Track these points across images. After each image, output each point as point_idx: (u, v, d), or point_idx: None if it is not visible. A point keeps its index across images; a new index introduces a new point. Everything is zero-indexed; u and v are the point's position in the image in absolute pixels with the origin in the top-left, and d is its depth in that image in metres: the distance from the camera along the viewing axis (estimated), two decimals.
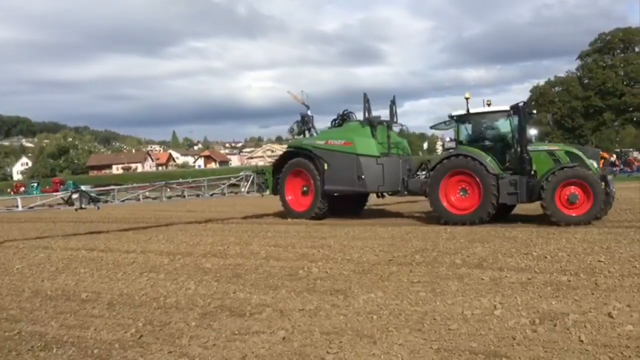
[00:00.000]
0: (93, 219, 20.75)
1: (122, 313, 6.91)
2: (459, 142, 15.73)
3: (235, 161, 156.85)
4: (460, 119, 15.74)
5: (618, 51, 76.56)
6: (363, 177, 16.69)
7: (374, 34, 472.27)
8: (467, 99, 15.43)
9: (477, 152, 14.79)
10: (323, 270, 9.00)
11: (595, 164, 14.72)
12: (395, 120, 18.12)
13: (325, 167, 17.27)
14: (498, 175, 14.41)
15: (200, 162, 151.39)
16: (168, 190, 19.37)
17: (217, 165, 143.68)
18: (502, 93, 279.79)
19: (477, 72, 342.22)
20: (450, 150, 15.80)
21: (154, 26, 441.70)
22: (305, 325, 5.98)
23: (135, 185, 19.83)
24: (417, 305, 6.63)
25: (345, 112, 18.98)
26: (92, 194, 16.39)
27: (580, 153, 14.73)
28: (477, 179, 14.50)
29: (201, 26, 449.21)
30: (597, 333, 5.31)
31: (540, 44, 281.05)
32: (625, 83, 73.13)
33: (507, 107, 15.15)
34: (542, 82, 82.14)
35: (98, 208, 16.72)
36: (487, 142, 15.52)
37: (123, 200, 17.36)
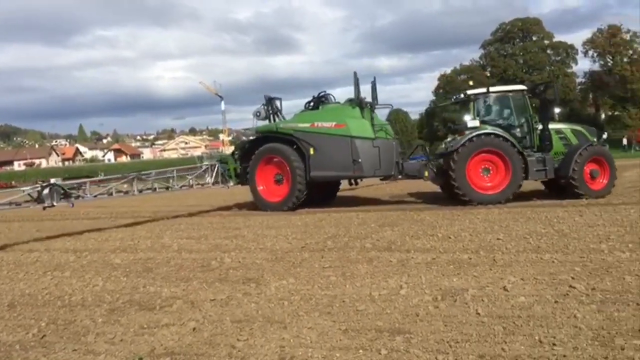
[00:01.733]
0: None
1: (24, 313, 6.62)
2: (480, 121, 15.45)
3: (147, 154, 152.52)
4: (478, 97, 15.73)
5: (517, 40, 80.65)
6: (360, 160, 15.57)
7: (289, 23, 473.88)
8: (487, 77, 15.56)
9: (502, 131, 14.92)
10: (236, 260, 9.00)
11: (596, 141, 15.67)
12: (376, 102, 17.11)
13: (311, 151, 15.93)
14: (524, 153, 14.74)
15: (110, 156, 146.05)
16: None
17: (128, 158, 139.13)
18: (413, 81, 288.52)
19: (389, 60, 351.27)
20: (472, 130, 15.08)
21: (59, 13, 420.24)
22: (216, 315, 5.98)
23: (107, 177, 17.00)
24: (327, 289, 6.78)
25: (322, 94, 17.58)
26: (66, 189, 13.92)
27: (584, 130, 15.73)
28: (507, 158, 14.57)
29: (109, 14, 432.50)
30: (493, 305, 5.66)
31: (449, 33, 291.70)
32: (524, 70, 77.23)
33: (524, 87, 15.97)
34: (449, 70, 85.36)
35: (72, 205, 14.59)
36: (500, 121, 15.64)
37: (95, 196, 15.15)
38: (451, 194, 15.39)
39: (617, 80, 71.52)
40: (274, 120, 17.86)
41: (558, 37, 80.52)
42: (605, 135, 16.75)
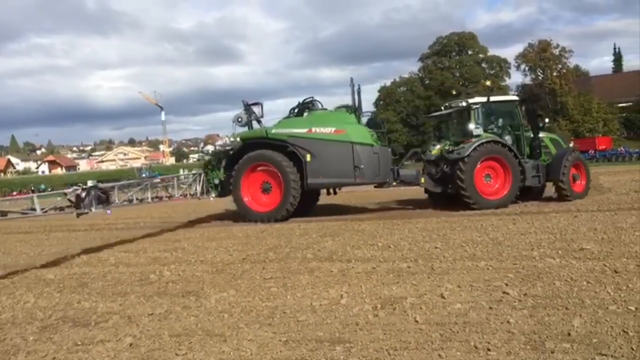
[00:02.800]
0: None
1: None
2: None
3: (84, 165, 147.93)
4: (477, 106, 16.17)
5: (454, 54, 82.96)
6: (362, 167, 15.20)
7: (231, 33, 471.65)
8: (489, 87, 17.21)
9: (501, 139, 15.56)
10: (175, 273, 8.84)
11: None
12: (361, 110, 16.73)
13: (308, 158, 15.32)
14: (521, 161, 15.39)
15: (45, 168, 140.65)
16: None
17: (64, 170, 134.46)
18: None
19: (331, 72, 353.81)
20: (478, 138, 15.48)
21: None
22: (154, 330, 5.85)
23: (129, 181, 15.80)
24: (268, 300, 6.75)
25: (309, 100, 16.90)
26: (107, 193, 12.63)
27: (559, 139, 17.00)
28: (508, 165, 15.13)
29: (46, 21, 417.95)
30: (431, 313, 5.77)
31: (389, 45, 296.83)
32: (461, 83, 79.39)
33: (517, 97, 17.10)
34: (389, 82, 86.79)
35: (109, 212, 13.15)
36: (495, 129, 16.35)
37: (122, 203, 13.91)
38: (458, 200, 15.45)
39: (547, 93, 74.65)
40: (252, 127, 17.12)
41: (492, 52, 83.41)
42: (572, 144, 17.88)
